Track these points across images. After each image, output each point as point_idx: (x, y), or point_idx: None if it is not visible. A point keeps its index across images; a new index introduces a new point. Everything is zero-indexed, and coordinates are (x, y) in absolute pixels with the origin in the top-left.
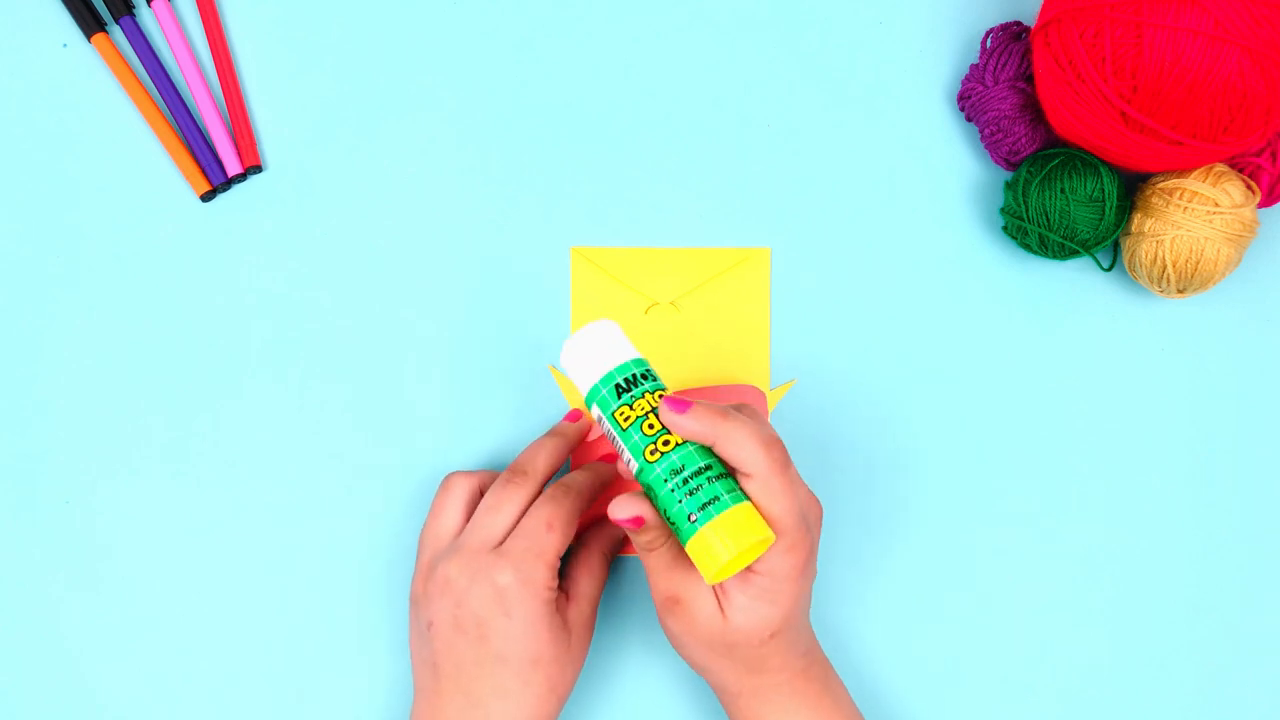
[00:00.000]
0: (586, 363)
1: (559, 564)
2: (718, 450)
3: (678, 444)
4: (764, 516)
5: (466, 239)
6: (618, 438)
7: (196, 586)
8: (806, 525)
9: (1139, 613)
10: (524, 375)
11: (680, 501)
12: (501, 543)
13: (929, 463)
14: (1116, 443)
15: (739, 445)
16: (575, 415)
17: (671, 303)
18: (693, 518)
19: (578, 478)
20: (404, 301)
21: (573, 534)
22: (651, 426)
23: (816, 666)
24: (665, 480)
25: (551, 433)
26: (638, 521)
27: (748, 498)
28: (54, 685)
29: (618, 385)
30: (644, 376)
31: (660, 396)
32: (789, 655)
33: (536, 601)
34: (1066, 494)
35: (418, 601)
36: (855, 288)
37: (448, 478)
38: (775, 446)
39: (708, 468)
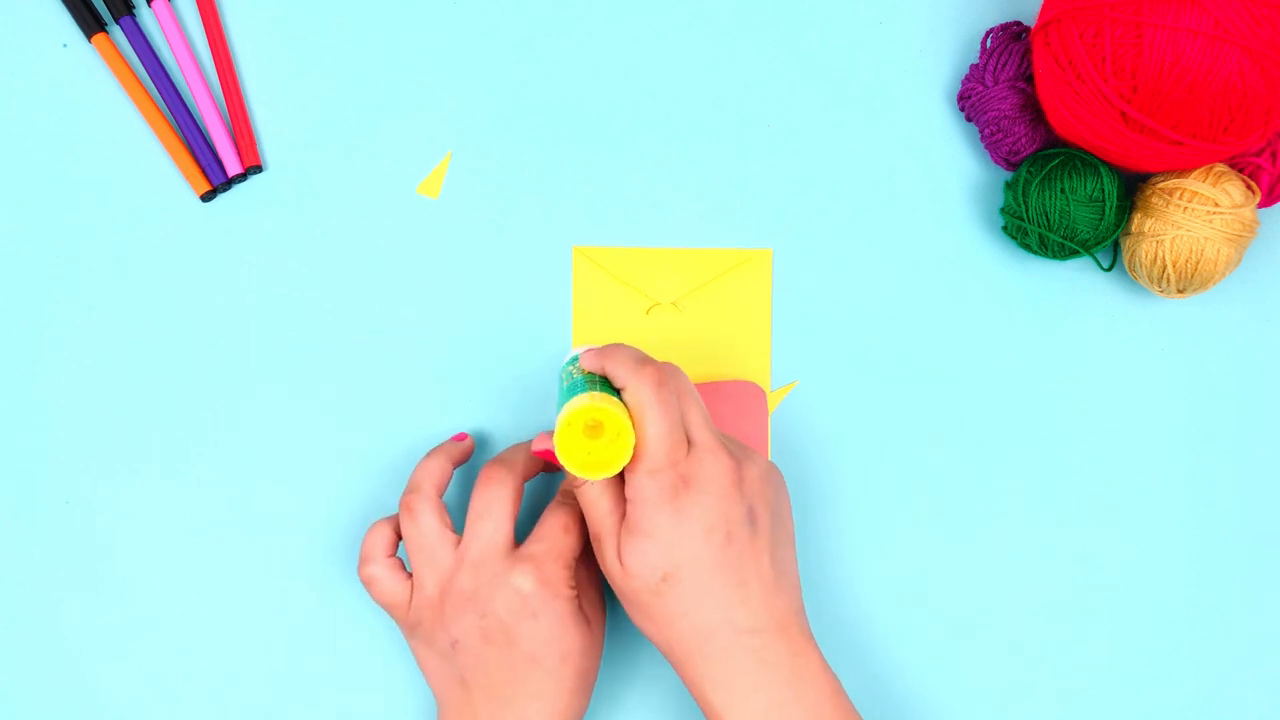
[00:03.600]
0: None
1: (575, 564)
2: (606, 374)
3: (583, 373)
4: (635, 430)
5: (468, 238)
6: (557, 395)
7: (197, 586)
8: (680, 455)
9: (1139, 613)
10: (526, 374)
11: (566, 394)
12: (509, 544)
13: (929, 462)
14: (1116, 443)
15: (615, 362)
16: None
17: (673, 303)
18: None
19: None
20: (404, 301)
21: (585, 536)
22: (574, 373)
23: (776, 651)
24: (561, 398)
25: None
26: (552, 455)
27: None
28: (54, 685)
29: (569, 364)
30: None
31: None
32: (704, 617)
33: (560, 600)
34: (1066, 494)
35: (429, 625)
36: (855, 288)
37: (377, 529)
38: (650, 366)
39: (594, 382)
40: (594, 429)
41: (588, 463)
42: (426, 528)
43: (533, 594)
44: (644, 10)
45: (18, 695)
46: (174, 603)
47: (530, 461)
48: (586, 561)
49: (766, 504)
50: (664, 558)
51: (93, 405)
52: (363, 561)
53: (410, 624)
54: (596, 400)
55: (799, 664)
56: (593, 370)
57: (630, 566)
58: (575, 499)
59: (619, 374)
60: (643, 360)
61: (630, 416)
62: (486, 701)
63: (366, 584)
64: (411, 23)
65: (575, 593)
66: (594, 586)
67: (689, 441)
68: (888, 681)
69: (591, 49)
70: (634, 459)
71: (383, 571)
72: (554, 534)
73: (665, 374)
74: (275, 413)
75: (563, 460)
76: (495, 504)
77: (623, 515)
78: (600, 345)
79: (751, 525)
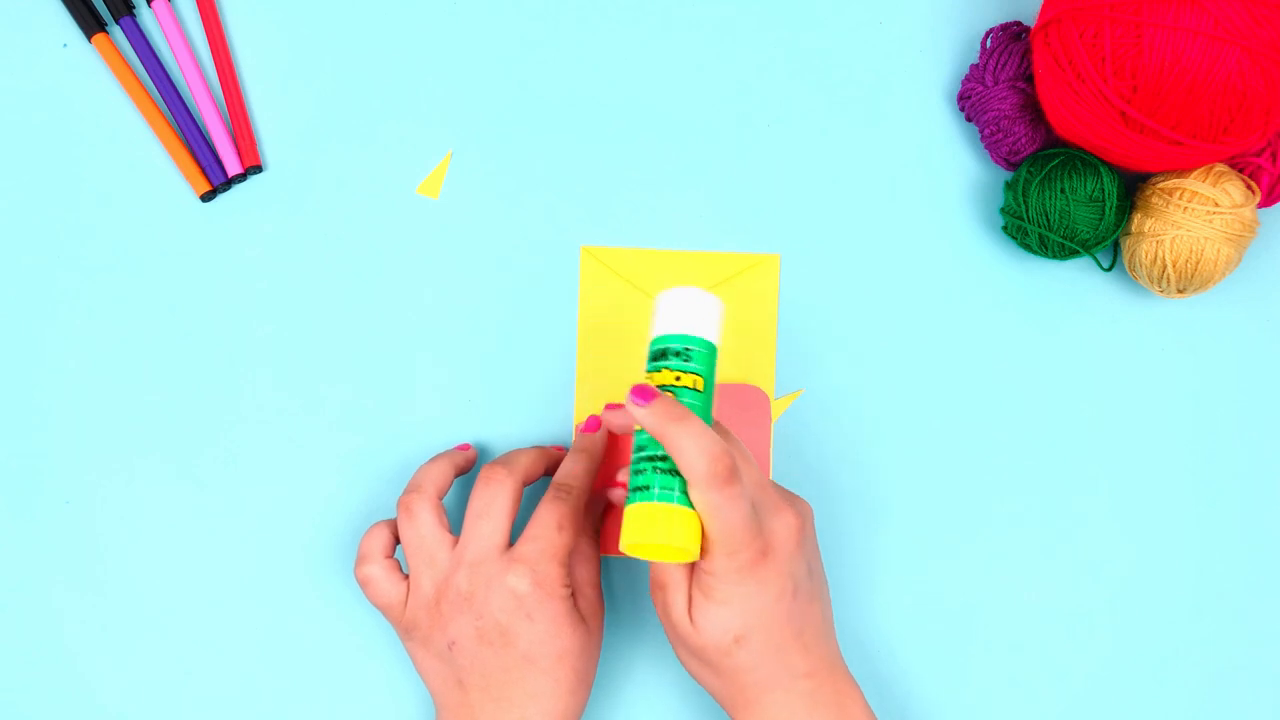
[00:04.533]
0: (659, 318)
1: (569, 561)
2: (667, 449)
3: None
4: (704, 525)
5: (468, 239)
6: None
7: (197, 587)
8: (756, 533)
9: (1142, 614)
10: (532, 374)
11: (632, 474)
12: (506, 546)
13: (928, 462)
14: (1117, 443)
15: (682, 452)
16: (592, 424)
17: None
18: (629, 495)
19: (575, 476)
20: (405, 302)
21: (580, 530)
22: (644, 451)
23: (826, 692)
24: (636, 450)
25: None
26: (598, 424)
27: (686, 500)
28: (54, 685)
29: (655, 352)
30: (677, 354)
31: (664, 378)
32: (769, 669)
33: (555, 600)
34: (1068, 494)
35: (426, 626)
36: (854, 288)
37: (376, 530)
38: (721, 460)
39: (661, 456)
40: (663, 529)
41: (656, 551)
42: (424, 528)
43: (528, 594)
44: (646, 10)
45: (18, 695)
46: (174, 603)
47: (531, 465)
48: (583, 562)
49: (816, 555)
50: (739, 623)
51: (93, 405)
52: (360, 561)
53: (406, 625)
54: (667, 508)
55: (845, 703)
56: (647, 430)
57: (704, 627)
58: (567, 495)
59: (688, 469)
60: (713, 454)
61: (700, 515)
62: (484, 702)
63: (363, 584)
64: (411, 23)
65: (570, 591)
66: (591, 586)
67: (753, 504)
68: (890, 684)
69: (592, 50)
70: (708, 546)
71: (380, 572)
72: (547, 533)
73: (730, 461)
74: (275, 413)
75: (630, 552)
76: (494, 504)
77: (692, 568)
78: (659, 404)
79: (810, 580)
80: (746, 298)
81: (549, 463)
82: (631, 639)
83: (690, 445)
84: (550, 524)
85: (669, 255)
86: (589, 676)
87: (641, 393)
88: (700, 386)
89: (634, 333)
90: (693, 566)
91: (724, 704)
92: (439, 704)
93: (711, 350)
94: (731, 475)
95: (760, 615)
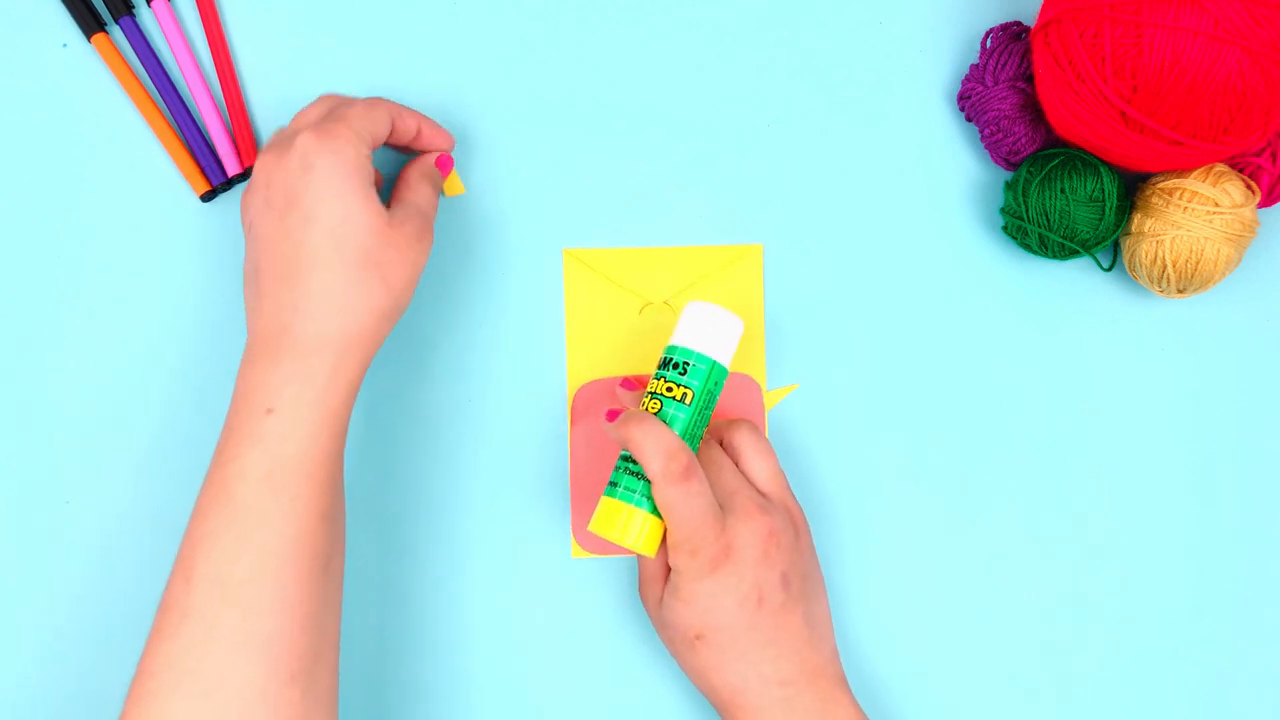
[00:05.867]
0: (677, 328)
1: (371, 146)
2: (629, 451)
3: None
4: (666, 521)
5: (475, 236)
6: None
7: None
8: (718, 532)
9: (1141, 613)
10: (517, 377)
11: (613, 471)
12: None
13: (927, 463)
14: (1117, 443)
15: (641, 450)
16: (611, 415)
17: (665, 301)
18: (606, 487)
19: (407, 111)
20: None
21: (382, 137)
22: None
23: (805, 700)
24: (614, 473)
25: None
26: (629, 383)
27: (647, 502)
28: (54, 685)
29: (662, 360)
30: (676, 366)
31: (657, 385)
32: (736, 672)
33: (338, 158)
34: (1067, 494)
35: (244, 223)
36: (854, 287)
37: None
38: (677, 458)
39: (632, 459)
40: (617, 525)
41: (627, 543)
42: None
43: (309, 148)
44: (646, 12)
45: (18, 695)
46: None
47: (375, 119)
48: (409, 191)
49: (798, 567)
50: (698, 621)
51: (93, 405)
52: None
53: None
54: (626, 507)
55: (829, 710)
56: (616, 440)
57: (669, 623)
58: (406, 112)
59: (645, 468)
60: (668, 452)
61: (661, 511)
62: (272, 282)
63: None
64: (411, 23)
65: (365, 165)
66: (414, 209)
67: (723, 507)
68: (888, 683)
69: (593, 51)
70: (672, 544)
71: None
72: (346, 110)
73: (689, 468)
74: None
75: (596, 533)
76: (320, 102)
77: (667, 562)
78: (629, 408)
79: (784, 590)
80: (733, 289)
81: (392, 122)
82: (632, 640)
83: (648, 444)
84: (352, 106)
85: (651, 253)
86: (386, 270)
87: (611, 414)
88: (689, 401)
89: (621, 331)
90: (666, 562)
91: (710, 702)
92: (248, 312)
93: (713, 368)
94: (687, 472)
95: (720, 616)
